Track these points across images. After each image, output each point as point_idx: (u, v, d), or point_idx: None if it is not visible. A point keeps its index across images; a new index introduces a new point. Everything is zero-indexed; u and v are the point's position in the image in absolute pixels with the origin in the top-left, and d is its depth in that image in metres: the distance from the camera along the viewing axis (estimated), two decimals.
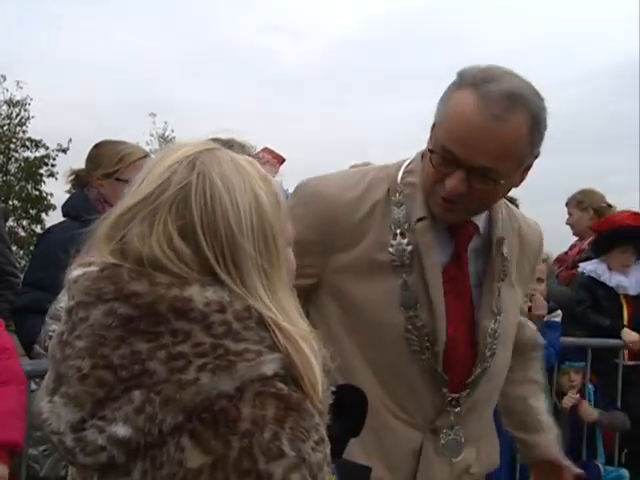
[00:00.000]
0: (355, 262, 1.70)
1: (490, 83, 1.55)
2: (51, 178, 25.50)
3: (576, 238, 5.30)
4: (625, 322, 4.31)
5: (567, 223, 5.34)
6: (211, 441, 0.97)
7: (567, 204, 5.40)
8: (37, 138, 25.48)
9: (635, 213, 4.54)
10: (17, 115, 25.28)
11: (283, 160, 4.41)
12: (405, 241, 1.69)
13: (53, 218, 24.91)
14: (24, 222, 26.36)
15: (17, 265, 3.56)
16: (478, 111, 1.53)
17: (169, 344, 1.00)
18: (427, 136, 1.68)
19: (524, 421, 2.02)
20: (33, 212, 26.01)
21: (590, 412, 3.98)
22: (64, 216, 3.12)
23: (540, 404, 2.06)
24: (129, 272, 1.04)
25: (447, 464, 1.76)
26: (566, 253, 5.33)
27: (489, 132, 1.54)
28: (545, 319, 3.75)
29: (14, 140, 25.37)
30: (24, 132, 25.56)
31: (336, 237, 1.70)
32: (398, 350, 1.68)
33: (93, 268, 1.08)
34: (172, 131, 29.79)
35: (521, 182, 1.73)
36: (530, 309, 3.67)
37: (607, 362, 4.20)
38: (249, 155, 2.98)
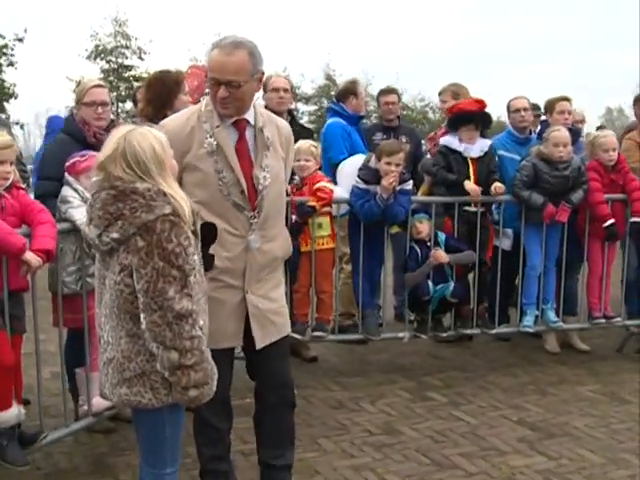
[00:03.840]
0: (193, 158, 3.24)
1: (223, 40, 3.20)
2: (11, 67, 26.12)
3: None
4: (472, 179, 5.72)
5: (441, 108, 6.81)
6: (145, 237, 2.54)
7: (440, 93, 6.86)
8: None
9: (476, 100, 5.96)
10: None
11: (205, 69, 5.88)
12: (212, 139, 3.24)
13: (16, 106, 25.65)
14: None
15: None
16: (219, 53, 3.16)
17: (130, 203, 2.57)
18: None
19: None
20: None
21: (443, 256, 5.55)
22: (61, 132, 4.73)
23: None
24: (113, 178, 2.61)
25: (262, 255, 3.33)
26: (435, 133, 6.86)
27: (226, 60, 3.14)
28: (398, 188, 5.32)
29: None
30: None
31: (179, 147, 3.12)
32: (218, 194, 3.22)
33: (99, 178, 2.64)
34: (124, 13, 30.33)
35: (259, 89, 3.43)
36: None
37: (458, 212, 5.74)
38: (183, 76, 4.66)
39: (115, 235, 2.57)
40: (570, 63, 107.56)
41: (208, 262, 2.96)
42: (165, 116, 4.58)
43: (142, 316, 2.57)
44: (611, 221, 5.73)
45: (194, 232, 2.70)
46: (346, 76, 32.82)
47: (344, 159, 5.89)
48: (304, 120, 32.66)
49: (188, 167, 3.24)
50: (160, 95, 4.63)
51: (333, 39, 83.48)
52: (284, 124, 3.60)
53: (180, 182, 3.18)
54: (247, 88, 3.22)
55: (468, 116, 5.77)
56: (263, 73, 3.35)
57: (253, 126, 3.34)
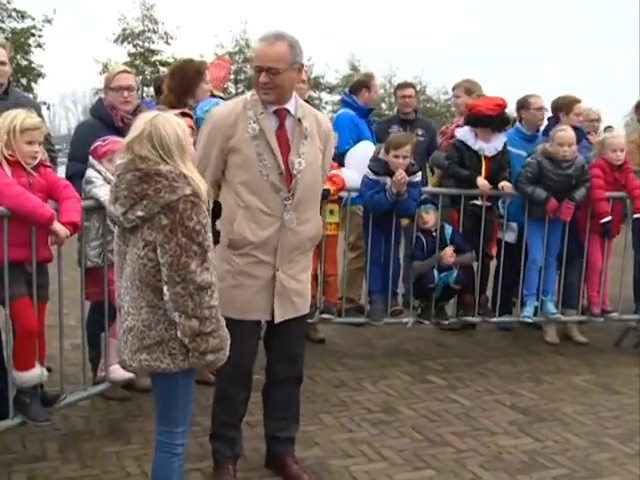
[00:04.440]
0: (237, 142, 3.51)
1: (268, 33, 3.51)
2: (39, 49, 26.37)
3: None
4: (483, 175, 5.92)
5: (454, 102, 6.98)
6: (169, 215, 2.79)
7: (454, 88, 7.06)
8: (22, 9, 26.02)
9: (497, 103, 6.03)
10: None
11: (231, 62, 6.20)
12: (255, 125, 3.52)
13: (42, 87, 25.92)
14: (16, 90, 27.29)
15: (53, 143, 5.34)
16: (263, 42, 3.50)
17: (154, 184, 2.82)
18: None
19: None
20: (24, 81, 27.10)
21: (450, 258, 5.69)
22: (91, 115, 5.06)
23: None
24: (138, 161, 2.85)
25: (294, 235, 3.58)
26: (447, 127, 7.06)
27: (268, 49, 3.47)
28: (408, 180, 5.54)
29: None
30: (9, 2, 26.17)
31: (225, 133, 3.52)
32: (258, 175, 3.49)
33: (124, 160, 2.89)
34: None
35: (298, 79, 3.81)
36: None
37: (465, 205, 5.96)
38: (205, 66, 4.93)
39: (140, 213, 2.82)
40: (574, 61, 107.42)
41: (215, 237, 3.22)
42: (187, 104, 4.88)
43: (165, 288, 2.82)
44: (608, 218, 5.94)
45: (207, 211, 2.96)
46: (370, 67, 33.12)
47: (349, 149, 6.11)
48: (328, 109, 32.85)
49: (232, 150, 3.53)
50: (182, 84, 4.90)
51: (358, 29, 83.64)
52: (324, 118, 3.88)
53: (225, 164, 3.57)
54: (286, 76, 3.49)
55: (487, 120, 5.93)
56: (302, 65, 3.65)
57: (293, 116, 3.60)
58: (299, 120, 3.61)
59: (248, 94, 3.69)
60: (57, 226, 3.75)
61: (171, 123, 2.90)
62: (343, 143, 6.26)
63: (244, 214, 3.54)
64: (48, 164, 4.01)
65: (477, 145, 5.93)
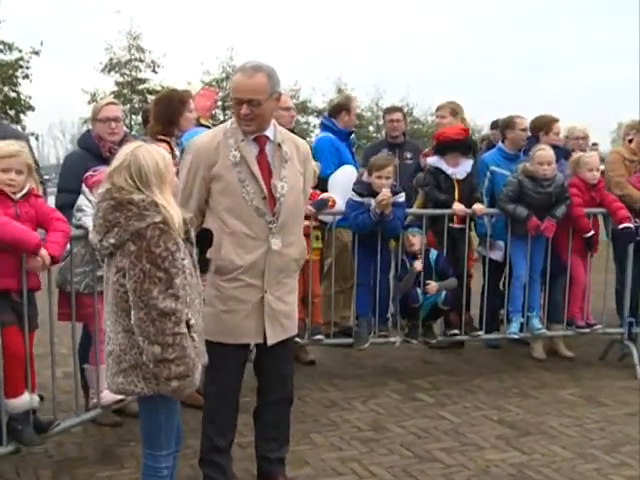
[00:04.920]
0: (219, 169, 3.60)
1: (245, 65, 3.60)
2: (26, 80, 26.44)
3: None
4: (456, 197, 6.05)
5: (439, 123, 7.08)
6: (137, 242, 2.87)
7: (438, 109, 7.16)
8: (9, 41, 26.10)
9: (463, 129, 6.28)
10: None
11: (217, 92, 6.33)
12: (237, 152, 3.60)
13: (31, 118, 25.96)
14: (4, 122, 27.32)
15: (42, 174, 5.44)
16: (241, 76, 3.56)
17: (125, 212, 2.90)
18: None
19: None
20: (12, 113, 27.17)
21: (432, 288, 5.82)
22: (79, 147, 5.16)
23: None
24: (114, 190, 2.95)
25: (280, 257, 3.67)
26: (429, 149, 7.12)
27: (247, 81, 3.54)
28: (392, 200, 5.66)
29: None
30: None
31: (207, 161, 3.62)
32: (241, 201, 3.58)
33: (103, 189, 2.99)
34: (138, 27, 30.76)
35: (277, 108, 3.86)
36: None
37: (444, 226, 6.06)
38: (189, 95, 5.07)
39: (112, 240, 2.92)
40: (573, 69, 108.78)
41: (205, 265, 3.30)
42: (173, 133, 4.99)
43: (132, 313, 2.90)
44: (591, 233, 6.16)
45: (188, 239, 3.05)
46: (357, 89, 33.36)
47: (331, 174, 6.20)
48: (315, 133, 33.06)
49: (215, 178, 3.62)
50: (166, 113, 5.02)
51: (344, 53, 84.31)
52: (302, 142, 3.99)
53: (209, 191, 3.64)
54: (266, 106, 3.60)
55: (454, 144, 6.12)
56: (280, 94, 3.76)
57: (272, 141, 3.71)
58: (279, 145, 3.71)
59: (228, 122, 3.79)
60: (43, 252, 3.82)
61: (151, 153, 3.00)
62: (324, 167, 6.32)
63: (230, 240, 3.61)
64: (38, 194, 4.09)
65: (449, 170, 6.11)
